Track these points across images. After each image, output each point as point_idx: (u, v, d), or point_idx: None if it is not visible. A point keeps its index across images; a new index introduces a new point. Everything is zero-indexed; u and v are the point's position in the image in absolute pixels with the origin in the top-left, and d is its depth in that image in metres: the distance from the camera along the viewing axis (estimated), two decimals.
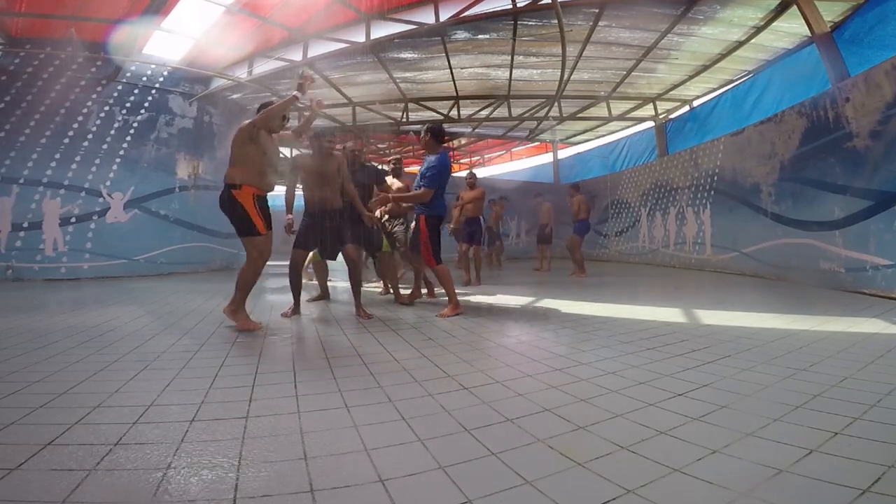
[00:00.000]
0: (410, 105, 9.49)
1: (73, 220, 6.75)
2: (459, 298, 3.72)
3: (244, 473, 1.14)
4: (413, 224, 4.19)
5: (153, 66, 7.59)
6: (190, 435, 1.37)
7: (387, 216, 4.61)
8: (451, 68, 7.66)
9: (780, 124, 5.81)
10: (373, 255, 4.76)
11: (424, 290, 4.61)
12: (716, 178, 7.34)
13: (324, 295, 4.53)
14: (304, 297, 4.30)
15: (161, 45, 7.35)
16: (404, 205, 4.05)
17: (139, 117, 7.53)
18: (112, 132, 7.18)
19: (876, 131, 4.28)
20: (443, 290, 3.79)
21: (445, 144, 3.82)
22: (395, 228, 4.67)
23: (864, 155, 4.43)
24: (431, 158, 3.67)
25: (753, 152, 6.37)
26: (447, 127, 10.90)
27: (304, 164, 3.61)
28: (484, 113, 9.85)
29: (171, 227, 7.84)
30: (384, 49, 6.93)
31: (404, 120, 10.03)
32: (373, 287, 5.69)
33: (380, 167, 5.78)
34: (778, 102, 6.46)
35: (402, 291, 4.45)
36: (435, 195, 3.66)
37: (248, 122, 2.94)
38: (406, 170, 11.99)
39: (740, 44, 6.64)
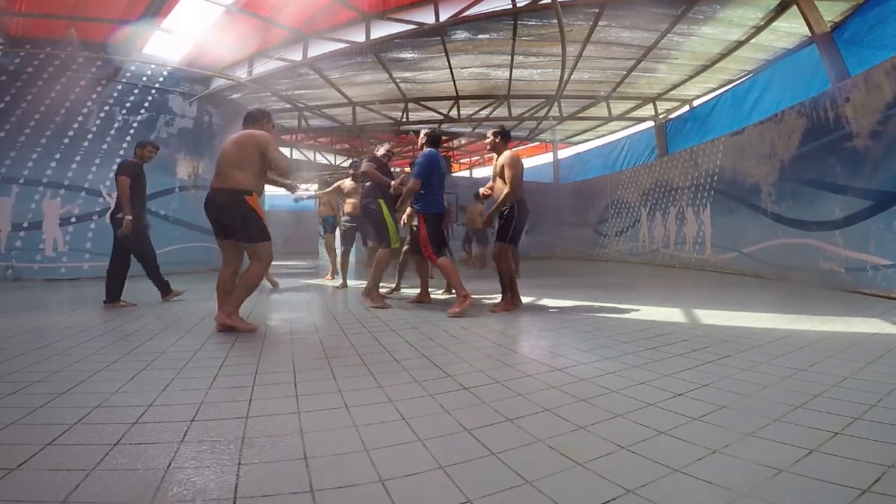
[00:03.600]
0: (410, 105, 9.49)
1: (73, 220, 6.76)
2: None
3: (244, 473, 1.14)
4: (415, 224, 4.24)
5: (153, 66, 7.60)
6: (190, 435, 1.37)
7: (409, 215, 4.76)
8: (451, 68, 7.66)
9: (780, 124, 5.81)
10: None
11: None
12: (716, 178, 7.34)
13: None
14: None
15: (161, 45, 7.35)
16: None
17: (139, 117, 7.54)
18: (112, 132, 7.19)
19: (876, 131, 4.28)
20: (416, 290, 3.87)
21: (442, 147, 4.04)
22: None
23: (864, 155, 4.43)
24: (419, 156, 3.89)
25: (753, 152, 6.37)
26: (447, 127, 10.96)
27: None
28: (484, 113, 9.85)
29: (171, 227, 7.84)
30: (384, 49, 6.93)
31: (404, 120, 10.03)
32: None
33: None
34: (778, 102, 6.46)
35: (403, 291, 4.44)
36: (431, 193, 3.81)
37: (268, 136, 2.95)
38: (407, 169, 11.99)
39: (740, 44, 6.65)
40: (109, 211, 4.24)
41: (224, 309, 2.84)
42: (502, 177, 3.71)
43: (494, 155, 3.95)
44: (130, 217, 3.99)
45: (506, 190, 3.63)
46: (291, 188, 3.60)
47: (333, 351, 2.44)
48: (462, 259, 10.13)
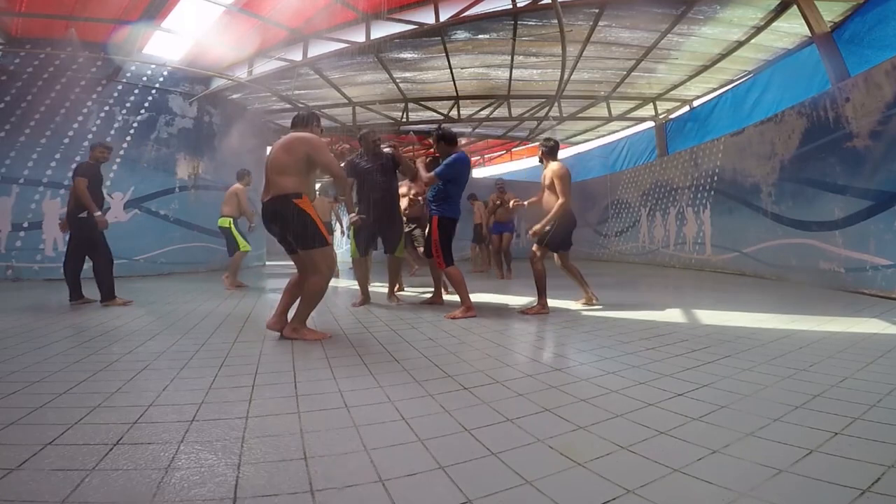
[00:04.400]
0: (410, 105, 9.49)
1: None
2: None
3: (244, 473, 1.14)
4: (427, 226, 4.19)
5: (153, 66, 7.59)
6: (190, 435, 1.37)
7: (406, 219, 4.77)
8: (451, 68, 7.66)
9: (780, 124, 5.81)
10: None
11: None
12: (716, 178, 7.34)
13: (366, 299, 4.22)
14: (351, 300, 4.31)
15: (161, 45, 7.35)
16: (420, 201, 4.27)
17: (139, 117, 7.54)
18: (112, 132, 7.18)
19: (876, 131, 4.28)
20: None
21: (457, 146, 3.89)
22: (415, 231, 4.99)
23: (864, 155, 4.43)
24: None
25: (753, 152, 6.37)
26: (447, 127, 10.97)
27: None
28: (484, 113, 9.85)
29: (171, 227, 7.84)
30: (384, 49, 6.93)
31: (404, 120, 10.03)
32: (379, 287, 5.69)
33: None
34: (778, 102, 6.45)
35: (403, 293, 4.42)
36: (450, 196, 3.68)
37: (318, 139, 2.79)
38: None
39: (740, 44, 6.64)
40: (66, 212, 4.21)
41: (290, 325, 2.73)
42: (551, 188, 3.85)
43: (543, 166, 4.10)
44: (100, 212, 4.07)
45: (560, 200, 3.75)
46: (345, 202, 3.37)
47: (333, 351, 2.44)
48: (465, 257, 10.11)
